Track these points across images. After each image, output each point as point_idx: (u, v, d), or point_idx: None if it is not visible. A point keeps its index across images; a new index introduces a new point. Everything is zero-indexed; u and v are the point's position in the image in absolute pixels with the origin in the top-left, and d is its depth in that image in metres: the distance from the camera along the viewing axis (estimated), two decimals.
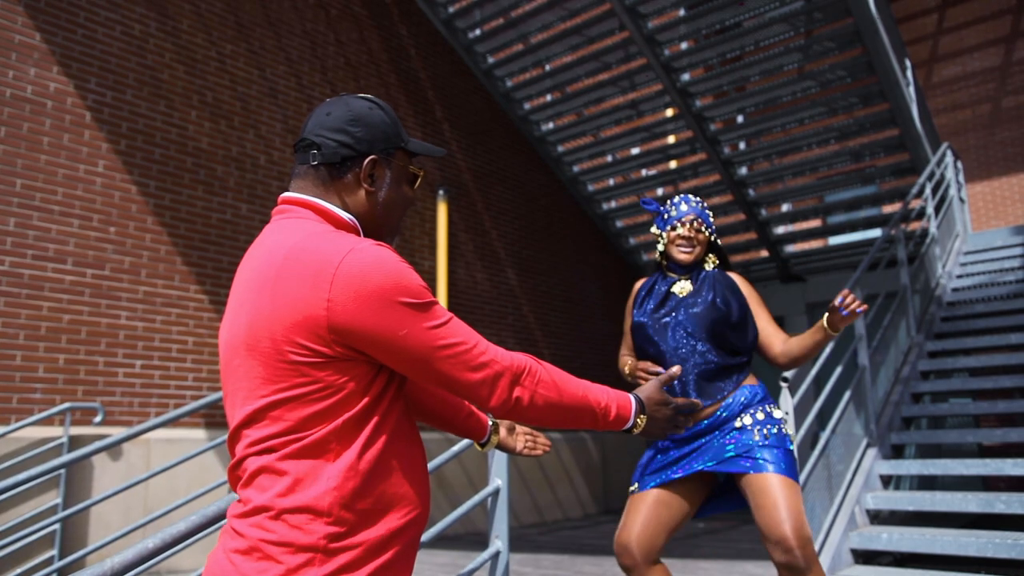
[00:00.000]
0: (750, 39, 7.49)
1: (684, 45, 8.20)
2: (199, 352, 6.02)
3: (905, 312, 5.86)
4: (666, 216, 2.66)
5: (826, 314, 2.38)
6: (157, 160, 6.02)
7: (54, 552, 4.94)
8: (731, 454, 2.40)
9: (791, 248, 9.74)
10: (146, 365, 5.71)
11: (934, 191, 7.48)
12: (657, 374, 2.44)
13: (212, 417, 5.88)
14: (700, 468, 2.43)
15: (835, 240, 10.36)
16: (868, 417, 4.78)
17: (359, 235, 1.35)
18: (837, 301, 2.31)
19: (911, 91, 7.73)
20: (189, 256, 6.09)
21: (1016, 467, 4.21)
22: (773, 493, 2.28)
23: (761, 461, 2.35)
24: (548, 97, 8.98)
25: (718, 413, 2.47)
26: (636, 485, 2.52)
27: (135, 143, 5.91)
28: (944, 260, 7.31)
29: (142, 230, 5.85)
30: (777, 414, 2.49)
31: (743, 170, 8.75)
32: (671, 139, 9.11)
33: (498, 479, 2.56)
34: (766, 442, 2.40)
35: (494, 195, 8.80)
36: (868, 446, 4.70)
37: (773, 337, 2.58)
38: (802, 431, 3.95)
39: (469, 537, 7.20)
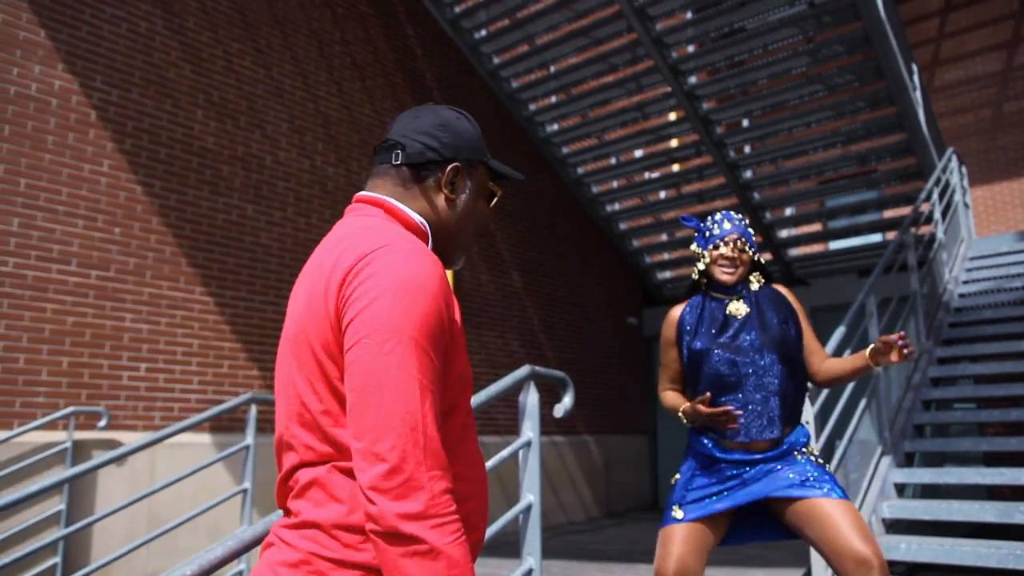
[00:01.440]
0: (758, 42, 7.46)
1: (691, 48, 8.17)
2: (204, 355, 5.96)
3: (916, 318, 5.84)
4: (707, 234, 2.59)
5: (871, 346, 2.36)
6: (163, 160, 5.95)
7: (57, 560, 4.86)
8: (788, 482, 2.36)
9: (795, 252, 9.73)
10: (151, 368, 5.64)
11: (940, 196, 7.46)
12: (714, 407, 2.38)
13: (218, 420, 5.81)
14: (750, 500, 2.38)
15: (836, 244, 10.35)
16: (882, 425, 4.75)
17: (427, 240, 1.31)
18: (892, 338, 2.27)
19: (918, 95, 7.72)
20: (194, 257, 6.02)
21: None
22: (839, 517, 2.24)
23: (826, 488, 2.32)
24: (553, 99, 8.94)
25: (784, 445, 2.42)
26: (680, 511, 2.43)
27: (141, 142, 5.84)
28: (951, 265, 7.29)
29: (147, 231, 5.79)
30: (815, 454, 2.47)
31: (748, 173, 8.73)
32: (674, 143, 9.09)
33: (530, 495, 2.51)
34: (823, 471, 2.38)
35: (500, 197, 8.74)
36: (883, 454, 4.67)
37: (814, 354, 2.53)
38: (821, 440, 3.91)
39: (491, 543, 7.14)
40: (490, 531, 2.42)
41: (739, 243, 2.53)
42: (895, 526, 4.56)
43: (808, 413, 3.70)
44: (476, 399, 2.25)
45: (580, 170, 9.38)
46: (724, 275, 2.53)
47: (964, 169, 8.67)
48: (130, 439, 5.30)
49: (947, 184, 7.88)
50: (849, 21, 7.01)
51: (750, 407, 2.40)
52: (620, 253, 10.20)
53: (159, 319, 5.74)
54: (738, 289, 2.58)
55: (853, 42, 7.13)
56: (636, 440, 10.46)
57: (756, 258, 2.59)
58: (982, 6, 11.89)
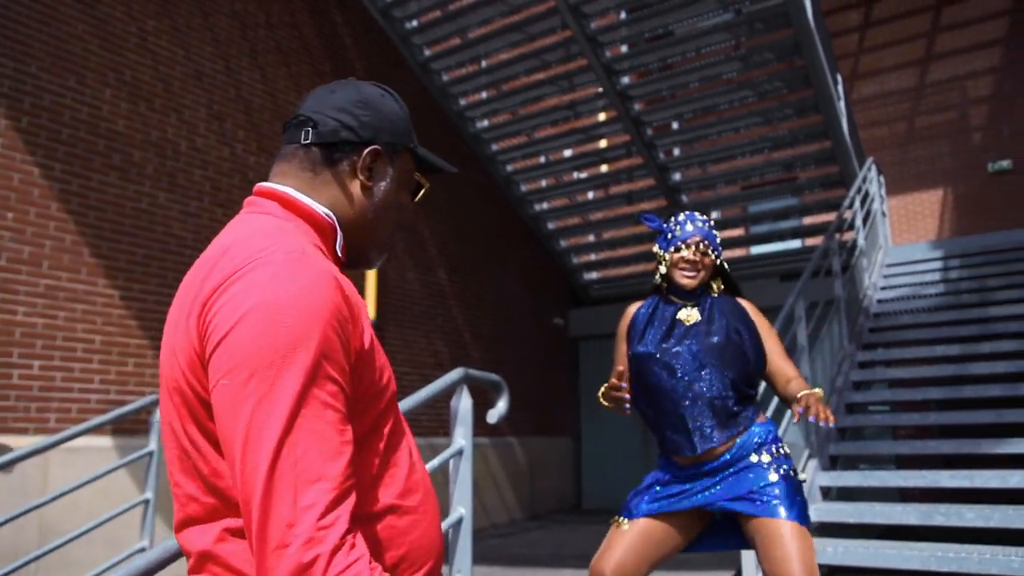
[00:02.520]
0: (691, 45, 7.48)
1: (625, 48, 8.14)
2: (107, 352, 5.56)
3: (839, 322, 5.93)
4: (669, 236, 2.47)
5: (800, 394, 2.25)
6: (64, 141, 5.53)
7: None
8: (743, 492, 2.25)
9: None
10: (46, 366, 5.22)
11: (861, 204, 7.64)
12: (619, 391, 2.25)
13: (121, 423, 5.42)
14: (705, 504, 2.28)
15: (757, 249, 10.53)
16: (809, 428, 4.77)
17: (334, 237, 1.12)
18: (811, 418, 2.16)
19: (842, 106, 7.89)
20: (99, 247, 5.61)
21: (953, 479, 4.25)
22: (786, 543, 2.13)
23: (775, 504, 2.21)
24: (484, 94, 8.79)
25: (732, 451, 2.31)
26: (629, 509, 2.35)
27: (39, 120, 5.40)
28: (871, 272, 7.47)
29: (45, 217, 5.36)
30: (785, 450, 2.37)
31: (677, 176, 8.77)
32: (604, 143, 9.06)
33: (461, 508, 2.34)
34: (781, 484, 2.25)
35: (427, 192, 8.52)
36: (809, 457, 4.68)
37: (778, 374, 2.40)
38: None
39: None
40: None
41: (701, 246, 2.42)
42: (821, 530, 4.58)
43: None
44: (405, 404, 2.08)
45: (509, 168, 9.25)
46: (684, 279, 2.42)
47: (882, 179, 8.92)
48: (20, 443, 4.88)
49: (867, 193, 8.08)
50: (780, 28, 7.09)
51: (689, 418, 2.31)
52: (548, 253, 10.12)
53: (56, 312, 5.32)
54: (696, 295, 2.47)
55: (783, 49, 7.21)
56: (560, 442, 10.40)
57: (719, 263, 2.48)
58: (899, 24, 12.31)
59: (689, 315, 2.43)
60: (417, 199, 1.25)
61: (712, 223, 2.53)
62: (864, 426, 5.72)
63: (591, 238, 10.16)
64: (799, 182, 8.47)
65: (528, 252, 9.94)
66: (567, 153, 9.20)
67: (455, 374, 2.26)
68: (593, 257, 10.35)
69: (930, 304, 6.66)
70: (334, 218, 1.12)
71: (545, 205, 9.77)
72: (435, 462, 2.18)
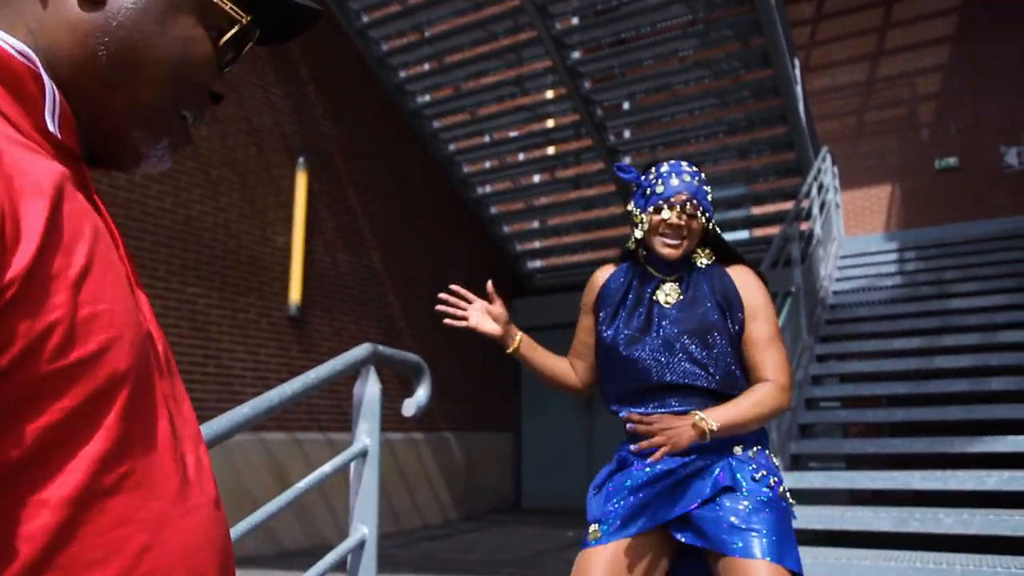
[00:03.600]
0: (645, 19, 7.06)
1: (576, 20, 7.67)
2: None
3: (798, 312, 5.57)
4: (648, 192, 1.95)
5: None
6: None
7: None
8: (712, 517, 1.77)
9: None
10: None
11: (817, 193, 7.33)
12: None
13: None
14: (675, 517, 1.80)
15: None
16: (769, 425, 4.37)
17: (40, 93, 0.59)
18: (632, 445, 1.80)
19: (799, 90, 7.57)
20: None
21: (926, 480, 3.90)
22: None
23: (752, 536, 1.72)
24: (426, 66, 8.23)
25: (699, 455, 1.84)
26: (598, 530, 1.84)
27: None
28: (826, 263, 7.17)
29: None
30: (776, 462, 1.90)
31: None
32: (551, 123, 8.59)
33: (364, 527, 1.80)
34: (760, 506, 1.76)
35: (362, 169, 7.93)
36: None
37: (756, 368, 1.90)
38: None
39: (319, 552, 6.34)
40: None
41: (689, 207, 1.89)
42: None
43: None
44: (293, 386, 1.54)
45: (451, 147, 8.71)
46: (665, 248, 1.91)
47: (836, 169, 8.66)
48: None
49: (822, 182, 7.78)
50: (739, 4, 6.71)
51: (663, 415, 1.82)
52: (490, 239, 9.60)
53: None
54: (679, 267, 1.98)
55: (742, 27, 6.85)
56: (499, 437, 9.91)
57: (710, 227, 1.96)
58: (850, 18, 12.16)
59: (668, 294, 1.95)
60: (226, 40, 0.72)
61: (703, 176, 2.00)
62: (826, 423, 5.37)
63: (536, 224, 9.69)
64: (753, 169, 8.14)
65: (470, 237, 9.41)
66: (513, 133, 8.70)
67: (359, 351, 1.71)
68: (537, 244, 9.88)
69: (887, 296, 6.38)
70: (35, 60, 0.59)
71: (488, 188, 9.26)
72: (328, 467, 1.64)
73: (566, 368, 2.12)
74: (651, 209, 1.92)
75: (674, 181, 1.92)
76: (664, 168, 1.96)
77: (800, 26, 12.42)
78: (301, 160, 7.11)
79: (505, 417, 10.07)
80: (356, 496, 1.75)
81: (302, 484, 1.56)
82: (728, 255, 2.02)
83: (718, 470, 1.81)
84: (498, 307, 2.03)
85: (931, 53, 11.57)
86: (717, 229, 1.99)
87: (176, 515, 0.60)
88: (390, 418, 7.51)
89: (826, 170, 8.00)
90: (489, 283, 1.88)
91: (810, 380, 5.34)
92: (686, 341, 1.85)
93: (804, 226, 6.93)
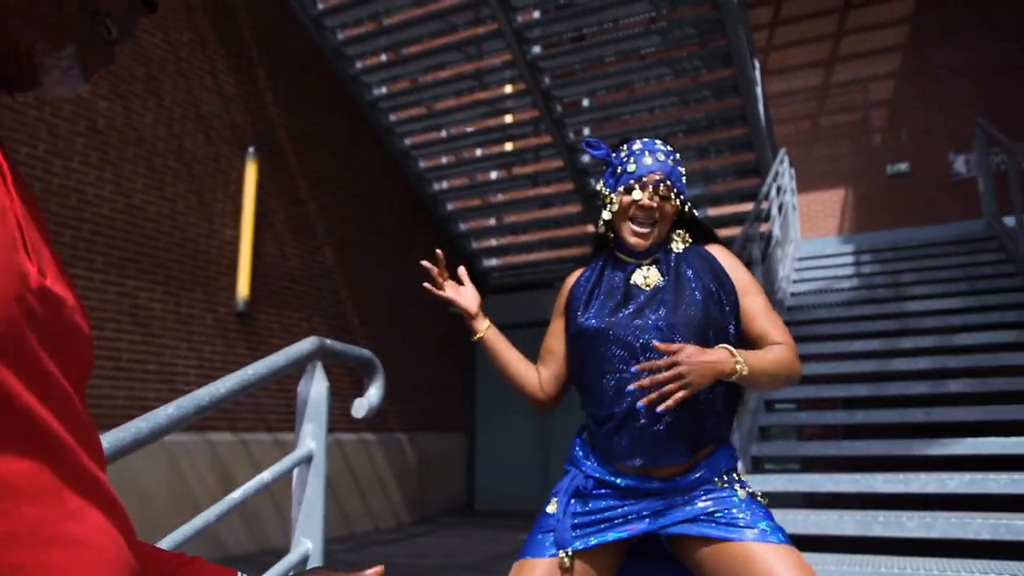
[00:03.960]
0: (608, 15, 6.95)
1: (537, 14, 7.54)
2: None
3: None
4: (619, 170, 1.79)
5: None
6: None
7: None
8: (703, 515, 1.63)
9: None
10: None
11: (776, 194, 7.32)
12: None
13: None
14: (647, 532, 1.65)
15: None
16: (730, 427, 4.28)
17: None
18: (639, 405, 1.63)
19: (759, 91, 7.55)
20: None
21: (888, 483, 3.85)
22: (778, 568, 1.52)
23: (756, 527, 1.58)
24: (383, 57, 8.02)
25: (697, 471, 1.67)
26: (545, 540, 1.67)
27: None
28: (784, 264, 7.16)
29: None
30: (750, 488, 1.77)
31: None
32: (509, 118, 8.44)
33: (308, 541, 1.62)
34: (752, 506, 1.63)
35: (315, 161, 7.68)
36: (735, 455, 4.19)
37: (761, 341, 1.74)
38: None
39: (266, 558, 6.10)
40: None
41: (662, 188, 1.73)
42: None
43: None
44: (228, 384, 1.37)
45: (407, 141, 8.51)
46: (634, 236, 1.75)
47: (793, 171, 8.69)
48: None
49: (779, 185, 7.78)
50: (702, 2, 6.66)
51: (649, 420, 1.64)
52: (446, 235, 9.42)
53: None
54: (650, 251, 1.80)
55: (704, 25, 6.79)
56: (453, 438, 9.73)
57: (685, 209, 1.81)
58: (806, 23, 12.29)
59: (647, 277, 1.78)
60: None
61: (678, 156, 1.84)
62: (783, 426, 5.32)
63: (492, 222, 9.53)
64: (712, 169, 8.10)
65: (425, 234, 9.21)
66: (470, 128, 8.53)
67: (304, 345, 1.53)
68: (494, 243, 9.72)
69: (845, 298, 6.38)
70: None
71: (445, 184, 9.08)
72: (268, 474, 1.46)
73: (530, 371, 1.94)
74: (621, 189, 1.77)
75: (647, 160, 1.76)
76: (637, 146, 1.81)
77: (758, 30, 12.49)
78: (251, 150, 6.84)
79: (459, 418, 9.90)
80: (299, 506, 1.56)
81: (237, 494, 1.38)
82: (704, 235, 1.87)
83: (694, 498, 1.66)
84: (471, 289, 1.89)
85: (884, 60, 11.75)
86: (694, 212, 1.85)
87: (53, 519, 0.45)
88: (340, 418, 7.23)
89: (784, 172, 8.00)
90: (461, 268, 1.72)
91: None
92: (684, 331, 1.67)
93: (763, 227, 6.90)
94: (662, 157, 1.77)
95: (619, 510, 1.66)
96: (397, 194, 8.80)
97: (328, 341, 1.56)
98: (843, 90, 12.02)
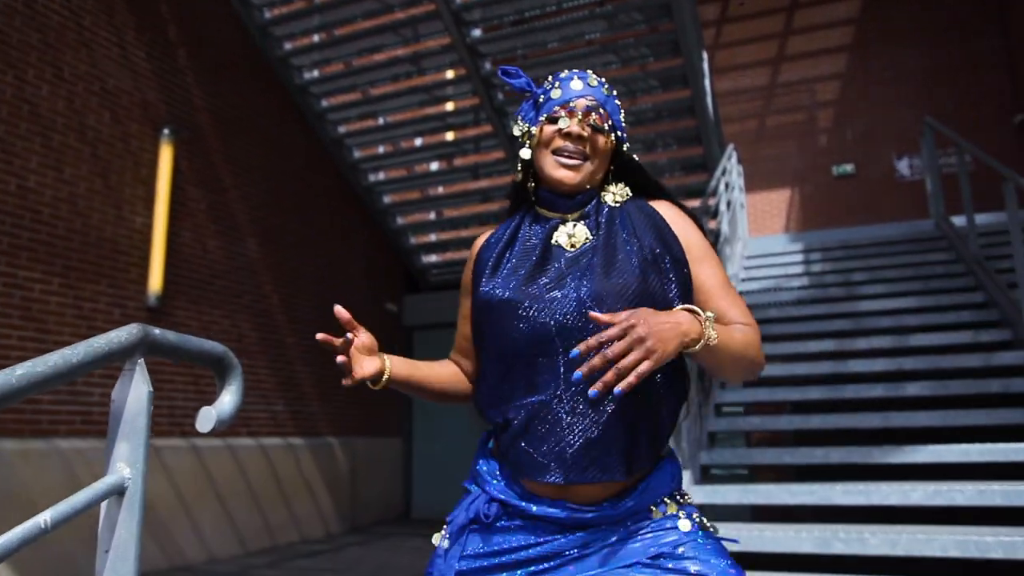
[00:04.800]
0: None
1: None
2: None
3: None
4: (541, 99, 1.43)
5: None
6: None
7: None
8: (651, 555, 1.25)
9: None
10: None
11: (725, 190, 7.07)
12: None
13: None
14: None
15: None
16: (678, 433, 3.96)
17: None
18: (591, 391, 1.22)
19: (707, 84, 7.29)
20: None
21: (847, 495, 3.55)
22: None
23: (714, 567, 1.21)
24: (315, 38, 7.52)
25: (633, 497, 1.29)
26: None
27: None
28: (732, 263, 6.90)
29: None
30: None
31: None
32: (450, 106, 8.03)
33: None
34: (706, 543, 1.26)
35: (238, 147, 7.15)
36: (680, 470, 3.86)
37: (726, 315, 1.36)
38: None
39: None
40: None
41: (594, 117, 1.38)
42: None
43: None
44: None
45: (341, 128, 8.02)
46: (559, 170, 1.38)
47: (741, 168, 8.47)
48: None
49: (728, 180, 7.54)
50: None
51: (572, 419, 1.26)
52: (383, 230, 8.95)
53: None
54: (580, 201, 1.43)
55: (651, 10, 6.48)
56: (389, 443, 9.26)
57: (623, 148, 1.45)
58: (753, 22, 12.17)
59: (573, 235, 1.40)
60: None
61: (615, 92, 1.47)
62: (729, 432, 5.02)
63: (432, 216, 9.10)
64: (659, 164, 7.81)
65: (361, 227, 8.73)
66: (408, 116, 8.09)
67: (120, 335, 1.10)
68: (433, 238, 9.29)
69: (796, 297, 6.14)
70: None
71: (382, 175, 8.62)
72: (48, 515, 1.02)
73: (452, 374, 1.56)
74: (543, 119, 1.40)
75: (576, 84, 1.41)
76: (564, 73, 1.45)
77: (705, 27, 12.33)
78: (166, 132, 6.28)
79: (395, 421, 9.44)
80: (107, 555, 1.11)
81: (5, 539, 0.95)
82: (648, 188, 1.49)
83: (634, 535, 1.29)
84: (365, 336, 1.46)
85: (829, 61, 11.70)
86: (633, 156, 1.47)
87: None
88: (265, 421, 6.68)
89: (732, 168, 7.77)
90: (337, 307, 1.30)
91: (720, 384, 4.98)
92: (612, 303, 1.29)
93: (711, 224, 6.63)
94: (595, 82, 1.43)
95: (530, 551, 1.27)
96: (329, 185, 8.30)
97: (157, 331, 1.14)
98: (789, 90, 11.93)
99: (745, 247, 7.60)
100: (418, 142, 8.38)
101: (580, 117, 1.37)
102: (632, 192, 1.48)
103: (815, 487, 3.61)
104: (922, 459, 3.78)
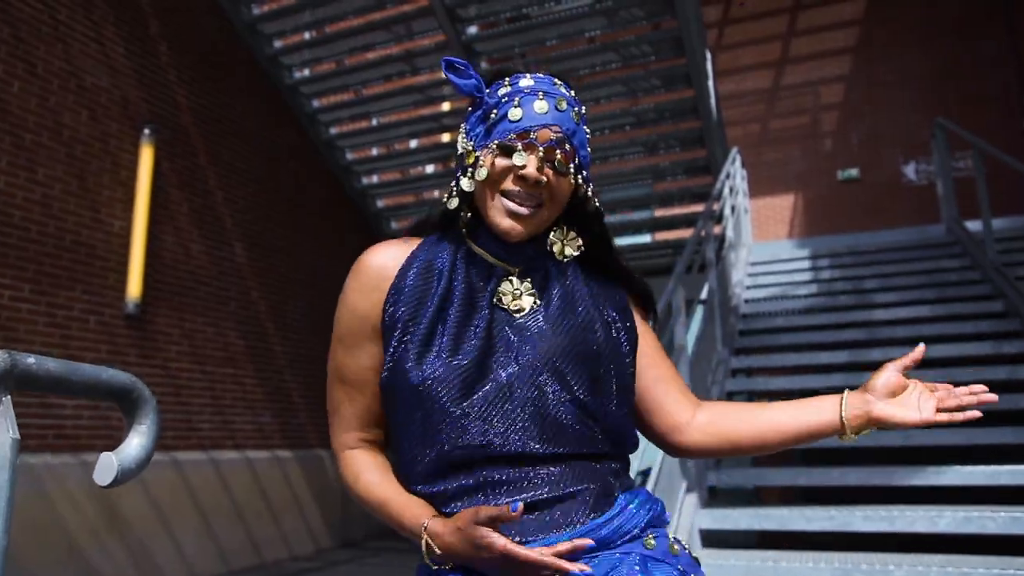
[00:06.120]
0: None
1: None
2: None
3: (714, 322, 4.94)
4: (493, 115, 1.13)
5: (850, 395, 1.15)
6: None
7: None
8: None
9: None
10: None
11: (729, 194, 6.81)
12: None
13: None
14: None
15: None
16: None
17: None
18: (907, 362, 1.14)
19: (711, 84, 7.04)
20: None
21: (868, 521, 3.28)
22: None
23: None
24: (306, 35, 7.26)
25: (608, 533, 1.06)
26: None
27: None
28: (737, 269, 6.64)
29: None
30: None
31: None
32: (446, 106, 7.78)
33: None
34: None
35: (224, 148, 6.88)
36: (687, 491, 3.58)
37: (677, 394, 1.22)
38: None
39: None
40: None
41: (559, 155, 1.11)
42: None
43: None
44: None
45: (333, 130, 7.76)
46: (506, 217, 1.11)
47: (745, 171, 8.22)
48: None
49: (733, 184, 7.29)
50: None
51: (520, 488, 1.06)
52: (377, 235, 8.67)
53: None
54: (528, 254, 1.17)
55: (654, 7, 6.23)
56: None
57: (585, 192, 1.17)
58: (755, 24, 11.95)
59: (518, 295, 1.15)
60: None
61: (582, 107, 1.19)
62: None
63: None
64: (661, 167, 7.55)
65: (355, 232, 8.45)
66: (402, 117, 7.82)
67: None
68: None
69: (804, 305, 5.87)
70: None
71: (375, 178, 8.35)
72: None
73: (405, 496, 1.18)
74: (495, 146, 1.11)
75: (540, 106, 1.11)
76: (526, 82, 1.14)
77: (707, 29, 12.11)
78: (147, 131, 6.02)
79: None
80: None
81: None
82: (603, 246, 1.24)
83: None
84: None
85: (834, 63, 11.49)
86: (595, 201, 1.19)
87: None
88: (251, 433, 6.40)
89: (736, 172, 7.52)
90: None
91: (726, 398, 4.71)
92: (564, 370, 1.08)
93: (716, 229, 6.38)
94: (564, 106, 1.12)
95: None
96: (321, 188, 8.04)
97: (31, 359, 0.87)
98: (793, 92, 11.71)
99: (750, 253, 7.34)
100: (413, 144, 8.12)
101: (542, 154, 1.09)
102: (584, 243, 1.21)
103: (833, 511, 3.34)
104: (947, 481, 3.51)
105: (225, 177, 6.87)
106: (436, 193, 8.54)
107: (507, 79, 1.16)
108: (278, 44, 7.21)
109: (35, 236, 5.20)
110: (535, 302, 1.14)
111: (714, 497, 4.01)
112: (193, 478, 6.18)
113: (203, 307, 6.51)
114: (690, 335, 4.27)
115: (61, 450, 5.17)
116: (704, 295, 5.12)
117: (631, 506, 1.09)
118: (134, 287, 5.79)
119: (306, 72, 7.45)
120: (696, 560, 1.13)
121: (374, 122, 7.85)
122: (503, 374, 1.07)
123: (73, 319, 5.43)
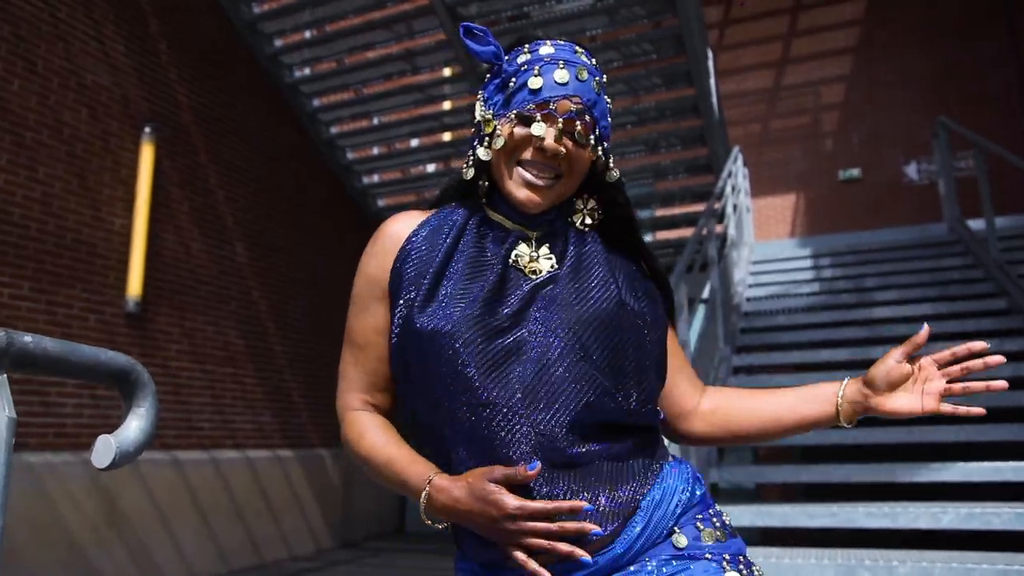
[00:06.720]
0: None
1: None
2: None
3: (716, 320, 4.93)
4: (512, 84, 1.11)
5: (849, 385, 1.15)
6: None
7: None
8: None
9: None
10: None
11: (731, 193, 6.80)
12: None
13: None
14: None
15: None
16: (689, 449, 3.67)
17: None
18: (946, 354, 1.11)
19: (712, 83, 7.04)
20: None
21: (872, 517, 3.27)
22: None
23: None
24: (306, 34, 7.26)
25: (623, 543, 1.03)
26: None
27: None
28: (738, 268, 6.63)
29: None
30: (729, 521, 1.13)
31: None
32: (447, 105, 7.76)
33: None
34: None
35: (225, 147, 6.87)
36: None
37: (686, 383, 1.23)
38: None
39: None
40: None
41: (579, 126, 1.09)
42: None
43: None
44: None
45: (334, 129, 7.76)
46: (522, 189, 1.10)
47: (746, 170, 8.22)
48: None
49: (735, 183, 7.28)
50: None
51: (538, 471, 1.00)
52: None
53: None
54: (547, 219, 1.16)
55: (655, 5, 6.22)
56: None
57: (604, 161, 1.15)
58: (756, 24, 11.95)
59: (535, 259, 1.13)
60: None
61: (604, 77, 1.16)
62: (742, 447, 4.72)
63: None
64: (662, 165, 7.54)
65: (354, 231, 8.44)
66: (404, 116, 7.82)
67: None
68: None
69: (806, 304, 5.87)
70: None
71: (376, 178, 8.35)
72: None
73: (404, 447, 1.21)
74: (513, 115, 1.10)
75: (560, 75, 1.08)
76: (546, 49, 1.12)
77: (707, 30, 12.11)
78: (148, 130, 6.01)
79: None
80: None
81: None
82: (623, 217, 1.21)
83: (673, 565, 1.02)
84: None
85: (834, 64, 11.47)
86: (616, 173, 1.17)
87: None
88: (251, 432, 6.39)
89: (738, 171, 7.51)
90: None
91: None
92: (583, 336, 1.05)
93: (719, 228, 6.37)
94: (584, 75, 1.10)
95: None
96: (322, 187, 8.03)
97: (28, 338, 0.86)
98: (794, 92, 11.70)
99: (751, 252, 7.32)
100: (414, 143, 8.11)
101: (561, 126, 1.07)
102: (606, 213, 1.21)
103: (835, 508, 3.33)
104: (950, 477, 3.50)
105: (226, 176, 6.86)
106: (438, 193, 8.54)
107: (527, 46, 1.14)
108: (278, 43, 7.20)
109: (35, 234, 5.19)
110: (553, 265, 1.12)
111: (716, 494, 4.00)
112: (193, 477, 6.17)
113: (203, 306, 6.50)
114: (692, 333, 4.26)
115: (61, 448, 5.16)
116: (706, 294, 5.12)
117: (655, 488, 1.06)
118: (134, 285, 5.78)
119: (306, 71, 7.45)
120: (734, 533, 1.10)
121: (375, 121, 7.84)
122: (516, 332, 1.05)
123: (73, 317, 5.42)
